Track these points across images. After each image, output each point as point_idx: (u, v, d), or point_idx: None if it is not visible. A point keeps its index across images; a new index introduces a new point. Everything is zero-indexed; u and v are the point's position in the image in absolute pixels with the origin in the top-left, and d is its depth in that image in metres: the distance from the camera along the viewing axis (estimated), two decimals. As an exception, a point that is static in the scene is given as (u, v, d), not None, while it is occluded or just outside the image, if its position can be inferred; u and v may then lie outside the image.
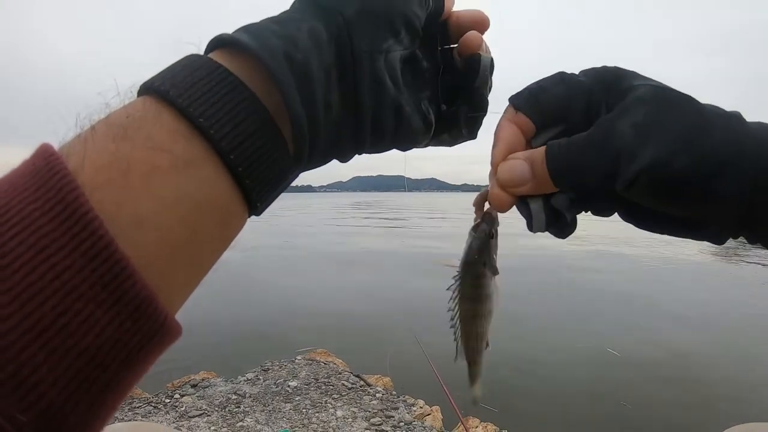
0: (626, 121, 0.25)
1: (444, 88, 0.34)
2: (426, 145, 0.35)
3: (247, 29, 0.24)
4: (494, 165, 0.30)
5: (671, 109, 0.25)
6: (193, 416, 2.46)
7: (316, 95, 0.24)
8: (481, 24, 0.33)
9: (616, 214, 0.31)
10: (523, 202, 0.30)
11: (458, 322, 0.36)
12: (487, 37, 0.34)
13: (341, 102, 0.26)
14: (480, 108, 0.34)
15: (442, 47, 0.34)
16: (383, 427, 2.43)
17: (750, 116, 0.27)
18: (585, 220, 0.35)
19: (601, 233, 12.03)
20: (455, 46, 0.34)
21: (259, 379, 2.92)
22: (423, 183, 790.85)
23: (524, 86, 0.31)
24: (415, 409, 2.68)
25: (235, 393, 2.72)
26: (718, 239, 0.28)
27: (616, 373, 3.53)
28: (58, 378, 0.17)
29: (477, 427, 2.45)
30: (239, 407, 2.56)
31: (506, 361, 3.42)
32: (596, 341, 4.01)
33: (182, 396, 2.68)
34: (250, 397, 2.68)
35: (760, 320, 4.98)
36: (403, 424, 2.47)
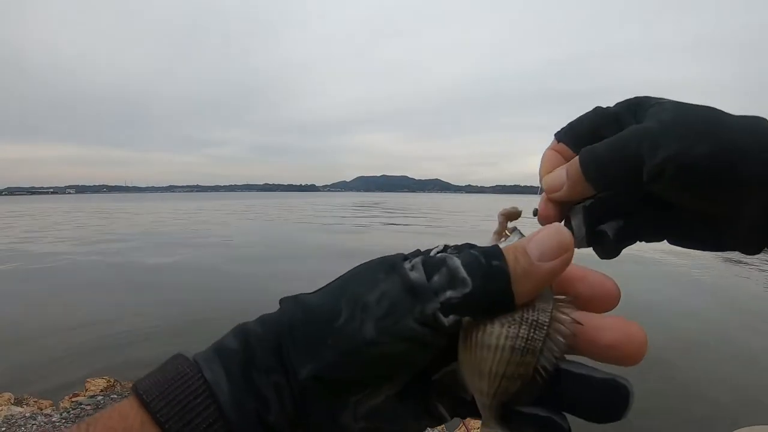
0: (651, 120, 0.29)
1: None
2: None
3: (224, 370, 0.24)
4: (541, 180, 0.34)
5: (693, 111, 0.29)
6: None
7: None
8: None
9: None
10: (567, 220, 0.34)
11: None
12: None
13: None
14: None
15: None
16: (386, 427, 2.47)
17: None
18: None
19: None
20: None
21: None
22: (427, 183, 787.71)
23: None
24: (417, 409, 2.71)
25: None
26: (751, 246, 0.30)
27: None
28: None
29: (478, 428, 2.47)
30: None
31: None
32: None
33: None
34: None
35: (759, 324, 5.02)
36: (405, 423, 2.51)
